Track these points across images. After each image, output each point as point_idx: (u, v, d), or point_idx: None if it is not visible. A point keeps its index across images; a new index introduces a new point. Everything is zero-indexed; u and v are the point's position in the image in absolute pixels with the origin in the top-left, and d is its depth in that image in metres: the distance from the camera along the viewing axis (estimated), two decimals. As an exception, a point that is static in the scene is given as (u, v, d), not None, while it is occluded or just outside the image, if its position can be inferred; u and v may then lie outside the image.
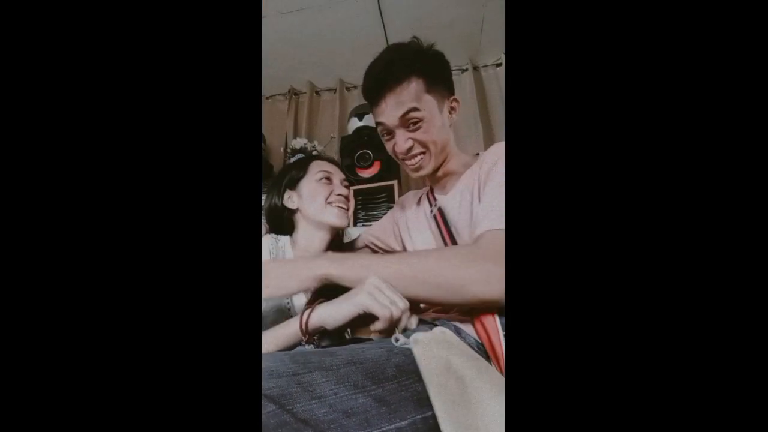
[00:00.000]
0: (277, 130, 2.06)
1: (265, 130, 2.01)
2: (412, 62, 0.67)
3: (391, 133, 0.71)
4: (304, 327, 0.50)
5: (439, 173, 0.76)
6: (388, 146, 0.74)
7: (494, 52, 1.94)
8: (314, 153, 1.67)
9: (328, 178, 0.82)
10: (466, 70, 2.00)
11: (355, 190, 1.64)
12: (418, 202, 0.84)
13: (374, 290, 0.48)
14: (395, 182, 1.60)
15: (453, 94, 0.74)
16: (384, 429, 0.33)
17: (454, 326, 0.51)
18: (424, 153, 0.70)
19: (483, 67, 2.02)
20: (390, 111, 0.68)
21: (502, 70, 1.97)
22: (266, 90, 2.15)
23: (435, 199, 0.78)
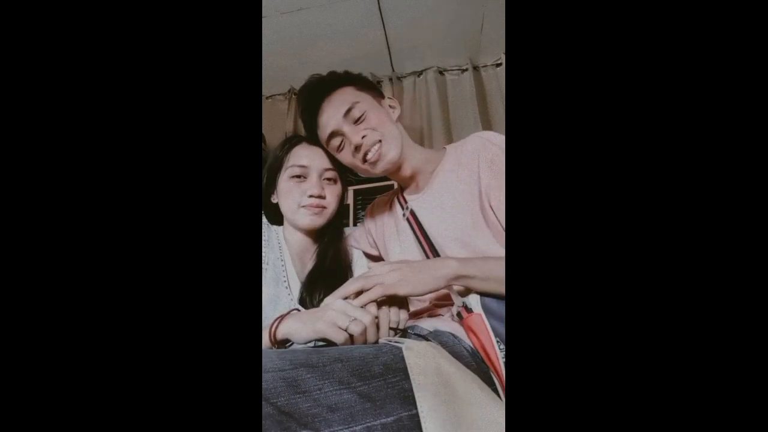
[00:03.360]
0: (277, 130, 2.06)
1: (265, 130, 2.01)
2: (336, 78, 0.73)
3: (341, 136, 0.70)
4: (272, 337, 0.50)
5: (406, 171, 0.74)
6: (345, 156, 0.72)
7: (494, 52, 1.93)
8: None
9: (300, 176, 0.76)
10: (466, 70, 1.99)
11: (354, 190, 1.64)
12: (390, 206, 0.82)
13: (336, 316, 0.46)
14: (395, 182, 1.60)
15: (384, 97, 0.78)
16: (369, 425, 0.33)
17: (451, 334, 0.51)
18: (380, 141, 0.69)
19: (483, 67, 2.02)
20: (331, 115, 0.69)
21: (502, 70, 1.96)
22: (266, 90, 2.15)
23: (406, 201, 0.77)
